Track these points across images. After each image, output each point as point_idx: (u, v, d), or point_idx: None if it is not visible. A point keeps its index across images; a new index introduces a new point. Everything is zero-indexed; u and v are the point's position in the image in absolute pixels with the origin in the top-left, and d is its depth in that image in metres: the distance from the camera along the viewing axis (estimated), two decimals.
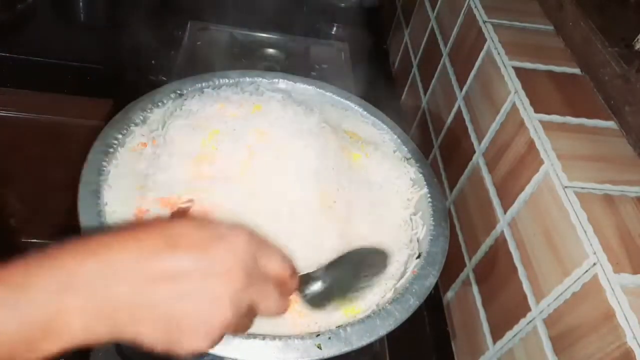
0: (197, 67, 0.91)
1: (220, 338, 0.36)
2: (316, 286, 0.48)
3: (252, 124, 0.56)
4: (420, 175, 0.63)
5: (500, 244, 0.61)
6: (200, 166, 0.53)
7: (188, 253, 0.35)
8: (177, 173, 0.52)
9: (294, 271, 0.41)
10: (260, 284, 0.38)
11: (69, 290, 0.32)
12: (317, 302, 0.48)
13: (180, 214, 0.51)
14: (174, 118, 0.59)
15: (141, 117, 0.62)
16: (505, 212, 0.60)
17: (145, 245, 0.35)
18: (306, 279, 0.47)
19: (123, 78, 0.88)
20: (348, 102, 0.71)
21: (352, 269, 0.51)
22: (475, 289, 0.66)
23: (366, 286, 0.52)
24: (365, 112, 0.70)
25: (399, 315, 0.48)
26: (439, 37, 0.88)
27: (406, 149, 0.66)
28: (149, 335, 0.34)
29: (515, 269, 0.57)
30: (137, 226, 0.36)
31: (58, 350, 0.31)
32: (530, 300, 0.54)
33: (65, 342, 0.32)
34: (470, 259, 0.68)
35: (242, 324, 0.38)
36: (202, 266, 0.35)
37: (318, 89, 0.71)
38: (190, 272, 0.34)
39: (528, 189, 0.56)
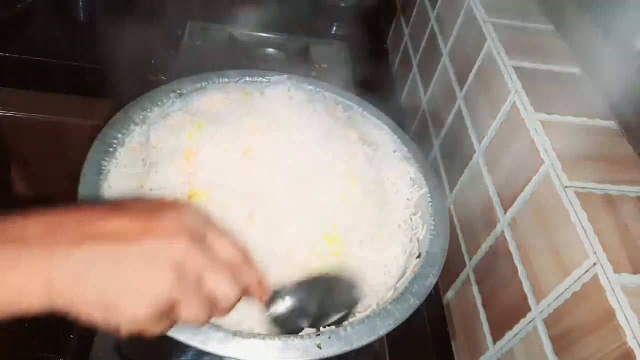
0: (197, 67, 0.91)
1: (163, 307, 0.33)
2: (282, 306, 0.46)
3: (244, 108, 0.57)
4: (420, 175, 0.63)
5: (501, 244, 0.61)
6: (191, 161, 0.53)
7: (132, 217, 0.33)
8: (171, 172, 0.52)
9: (249, 260, 0.39)
10: (207, 256, 0.35)
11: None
12: (281, 322, 0.46)
13: None
14: (159, 118, 0.59)
15: (141, 117, 0.62)
16: (505, 212, 0.60)
17: (93, 210, 0.34)
18: (272, 296, 0.45)
19: (123, 78, 0.88)
20: (348, 102, 0.71)
21: (320, 296, 0.48)
22: (475, 289, 0.66)
23: (334, 318, 0.49)
24: (365, 112, 0.70)
25: (399, 315, 0.48)
26: (439, 37, 0.88)
27: (406, 149, 0.66)
28: (84, 302, 0.32)
29: (515, 269, 0.57)
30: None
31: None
32: (531, 300, 0.54)
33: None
34: (470, 259, 0.68)
35: (191, 295, 0.35)
36: (144, 228, 0.33)
37: (318, 89, 0.71)
38: (131, 232, 0.33)
39: (528, 189, 0.56)
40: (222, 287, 0.36)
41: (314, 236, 0.52)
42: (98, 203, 0.36)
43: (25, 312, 0.31)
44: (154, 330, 0.35)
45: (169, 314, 0.35)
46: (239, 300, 0.38)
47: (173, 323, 0.36)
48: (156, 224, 0.34)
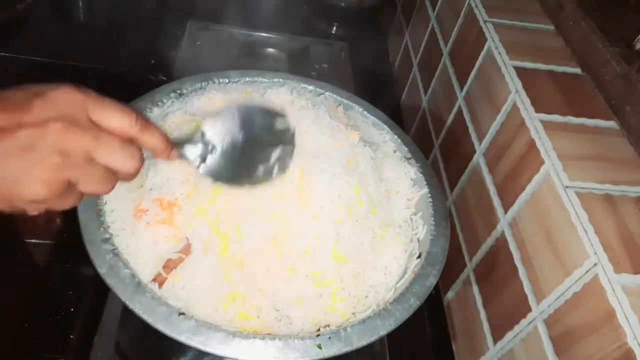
0: (197, 67, 0.91)
1: (59, 186, 0.36)
2: (211, 154, 0.44)
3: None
4: (421, 175, 0.63)
5: (501, 244, 0.61)
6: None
7: (5, 111, 0.35)
8: (170, 171, 0.52)
9: (141, 122, 0.40)
10: (88, 133, 0.37)
11: None
12: (221, 172, 0.45)
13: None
14: (159, 118, 0.59)
15: None
16: (505, 212, 0.60)
17: None
18: (192, 144, 0.45)
19: (123, 78, 0.88)
20: (348, 102, 0.71)
21: (247, 133, 0.47)
22: (475, 289, 0.66)
23: (282, 155, 0.47)
24: (365, 112, 0.70)
25: (399, 315, 0.48)
26: (439, 37, 0.88)
27: (406, 149, 0.66)
28: None
29: (515, 269, 0.57)
30: None
31: None
32: (531, 300, 0.54)
33: None
34: (470, 259, 0.68)
35: (84, 172, 0.37)
36: (20, 121, 0.35)
37: (318, 89, 0.71)
38: (7, 128, 0.35)
39: (529, 189, 0.56)
40: (114, 158, 0.38)
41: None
42: None
43: None
44: (62, 205, 0.38)
45: (70, 190, 0.37)
46: (141, 163, 0.40)
47: (78, 196, 0.39)
48: (27, 114, 0.36)
